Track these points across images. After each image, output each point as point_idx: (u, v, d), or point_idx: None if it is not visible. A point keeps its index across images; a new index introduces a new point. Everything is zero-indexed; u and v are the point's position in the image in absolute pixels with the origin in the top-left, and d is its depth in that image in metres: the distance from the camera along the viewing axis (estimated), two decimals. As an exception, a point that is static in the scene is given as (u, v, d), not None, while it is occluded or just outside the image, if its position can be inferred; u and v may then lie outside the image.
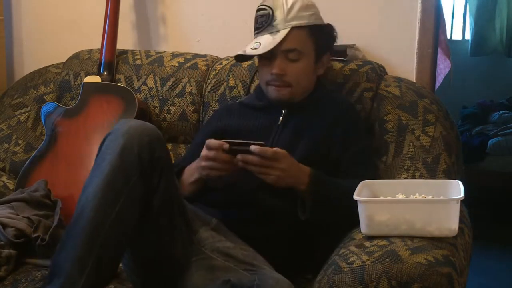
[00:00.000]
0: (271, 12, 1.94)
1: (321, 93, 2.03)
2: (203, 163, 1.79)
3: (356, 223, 1.65)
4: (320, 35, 1.98)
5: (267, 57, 1.94)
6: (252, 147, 1.71)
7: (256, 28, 1.98)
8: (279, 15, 1.93)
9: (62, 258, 1.56)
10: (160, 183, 1.64)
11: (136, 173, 1.60)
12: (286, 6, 1.93)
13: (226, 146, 1.74)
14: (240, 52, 1.98)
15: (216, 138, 1.79)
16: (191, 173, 1.90)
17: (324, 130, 1.94)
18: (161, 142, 1.66)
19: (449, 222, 1.59)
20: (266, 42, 1.92)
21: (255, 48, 1.93)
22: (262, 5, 1.97)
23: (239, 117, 2.03)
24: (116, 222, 1.57)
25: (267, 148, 1.73)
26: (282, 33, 1.92)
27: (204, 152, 1.79)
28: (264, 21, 1.95)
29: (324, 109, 1.98)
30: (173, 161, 2.24)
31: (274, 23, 1.93)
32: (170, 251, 1.70)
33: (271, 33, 1.93)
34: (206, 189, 1.91)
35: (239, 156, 1.73)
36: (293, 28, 1.92)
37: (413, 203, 1.63)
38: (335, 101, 2.04)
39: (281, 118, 1.98)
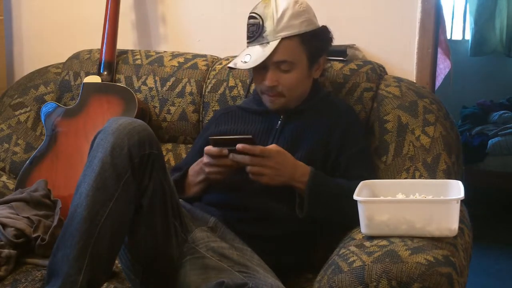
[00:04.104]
0: (261, 22, 1.90)
1: (318, 97, 2.02)
2: (207, 169, 1.81)
3: (356, 223, 1.65)
4: (312, 41, 1.94)
5: (260, 68, 1.92)
6: (238, 146, 1.73)
7: (248, 37, 1.95)
8: (269, 26, 1.89)
9: (59, 258, 1.57)
10: (152, 180, 1.65)
11: (128, 170, 1.60)
12: (276, 15, 1.89)
13: (225, 152, 1.75)
14: (231, 65, 1.97)
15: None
16: (196, 173, 1.91)
17: (323, 133, 1.93)
18: (151, 139, 1.65)
19: (449, 222, 1.59)
20: (257, 54, 1.90)
21: (246, 62, 1.91)
22: (252, 13, 1.94)
23: (238, 121, 2.03)
24: (110, 219, 1.58)
25: (255, 146, 1.74)
26: (272, 45, 1.88)
27: (205, 159, 1.80)
28: (254, 31, 1.92)
29: (321, 113, 1.98)
30: (173, 161, 2.26)
31: (264, 34, 1.90)
32: (166, 250, 1.71)
33: (261, 44, 1.90)
34: (209, 189, 1.93)
35: (230, 156, 1.75)
36: (283, 39, 1.89)
37: (413, 203, 1.62)
38: (332, 103, 2.03)
39: (279, 122, 1.98)
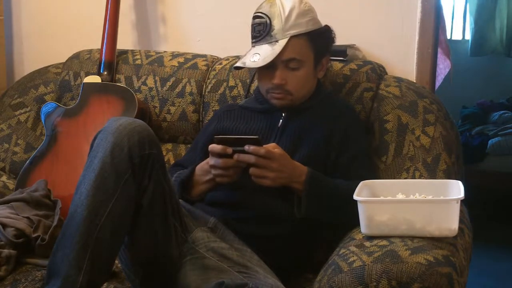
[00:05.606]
0: (268, 21, 1.90)
1: (321, 96, 2.02)
2: (213, 172, 1.81)
3: (356, 223, 1.65)
4: (318, 40, 1.95)
5: (267, 67, 1.91)
6: (246, 147, 1.73)
7: (253, 37, 1.95)
8: (277, 24, 1.90)
9: (59, 259, 1.57)
10: (152, 180, 1.64)
11: (128, 170, 1.60)
12: (283, 14, 1.89)
13: (229, 151, 1.75)
14: (239, 64, 1.96)
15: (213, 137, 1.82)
16: (204, 172, 1.90)
17: (324, 132, 1.93)
18: (151, 139, 1.65)
19: (449, 222, 1.59)
20: (265, 53, 1.90)
21: (255, 61, 1.90)
22: (258, 12, 1.94)
23: (239, 119, 2.03)
24: (110, 219, 1.58)
25: (260, 147, 1.74)
26: (281, 43, 1.89)
27: (212, 161, 1.80)
28: (261, 30, 1.92)
29: (323, 112, 1.98)
30: (173, 161, 2.26)
31: (272, 33, 1.90)
32: (166, 250, 1.71)
33: (269, 43, 1.90)
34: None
35: (235, 157, 1.75)
36: (291, 37, 1.90)
37: (413, 203, 1.62)
38: (334, 103, 2.04)
39: (281, 121, 1.98)
